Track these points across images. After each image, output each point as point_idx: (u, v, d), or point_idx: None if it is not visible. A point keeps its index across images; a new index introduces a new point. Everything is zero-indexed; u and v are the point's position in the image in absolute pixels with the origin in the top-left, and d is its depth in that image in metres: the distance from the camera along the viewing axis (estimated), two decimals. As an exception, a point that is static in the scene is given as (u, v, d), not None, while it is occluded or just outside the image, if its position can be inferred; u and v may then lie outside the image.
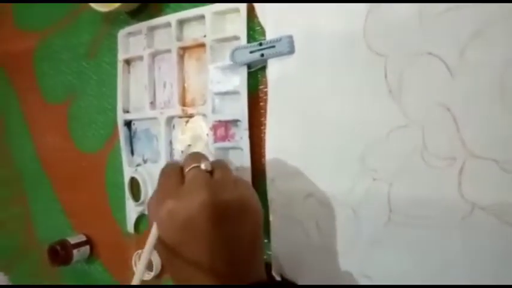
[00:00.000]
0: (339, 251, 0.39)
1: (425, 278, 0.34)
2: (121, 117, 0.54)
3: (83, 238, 0.61)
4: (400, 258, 0.36)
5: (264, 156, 0.43)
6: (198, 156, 0.35)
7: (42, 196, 0.68)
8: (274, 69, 0.42)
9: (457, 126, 0.33)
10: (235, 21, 0.45)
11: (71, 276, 0.65)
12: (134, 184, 0.54)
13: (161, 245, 0.30)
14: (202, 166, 0.32)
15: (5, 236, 0.76)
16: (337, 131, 0.38)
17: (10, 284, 0.73)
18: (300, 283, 0.41)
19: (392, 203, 0.36)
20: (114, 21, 0.55)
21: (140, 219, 0.54)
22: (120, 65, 0.54)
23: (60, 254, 0.58)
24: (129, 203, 0.54)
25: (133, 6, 0.52)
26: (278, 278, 0.42)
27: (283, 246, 0.42)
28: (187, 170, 0.33)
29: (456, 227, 0.33)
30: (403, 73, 0.35)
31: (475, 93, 0.32)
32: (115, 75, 0.55)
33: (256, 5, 0.43)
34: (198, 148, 0.49)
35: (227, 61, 0.44)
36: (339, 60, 0.38)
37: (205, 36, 0.46)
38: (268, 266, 0.43)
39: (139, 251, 0.54)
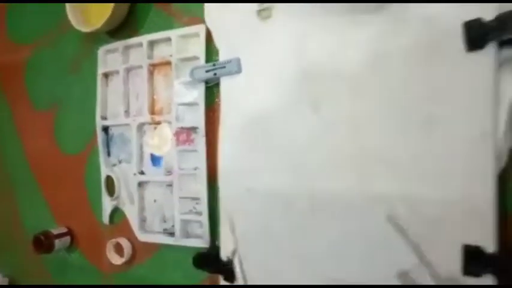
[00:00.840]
0: (272, 234, 0.47)
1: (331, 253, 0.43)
2: (99, 123, 0.62)
3: (65, 229, 0.69)
4: (319, 240, 0.44)
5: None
6: None
7: (29, 192, 0.75)
8: (225, 86, 0.51)
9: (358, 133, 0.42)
10: (197, 43, 0.54)
11: (53, 263, 0.72)
12: (110, 182, 0.61)
13: None
14: None
15: (-6, 227, 0.83)
16: (273, 136, 0.47)
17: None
18: (243, 263, 0.49)
19: (315, 198, 0.44)
20: (96, 40, 0.63)
21: (114, 212, 0.62)
22: (99, 78, 0.62)
23: (43, 243, 0.65)
24: (105, 198, 0.62)
25: (112, 26, 0.60)
26: (225, 259, 0.50)
27: (229, 232, 0.50)
28: None
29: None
30: (324, 93, 0.44)
31: (375, 109, 0.41)
32: (95, 87, 0.63)
33: (212, 31, 0.52)
34: (164, 150, 0.57)
35: (188, 77, 0.53)
36: (275, 80, 0.47)
37: (171, 55, 0.55)
38: (216, 250, 0.51)
39: (113, 240, 0.62)
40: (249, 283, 0.49)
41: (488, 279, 0.37)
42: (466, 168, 0.38)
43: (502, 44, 0.36)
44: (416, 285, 0.39)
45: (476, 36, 0.36)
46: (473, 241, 0.37)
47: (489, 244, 0.37)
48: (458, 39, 0.37)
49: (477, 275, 0.37)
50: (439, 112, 0.39)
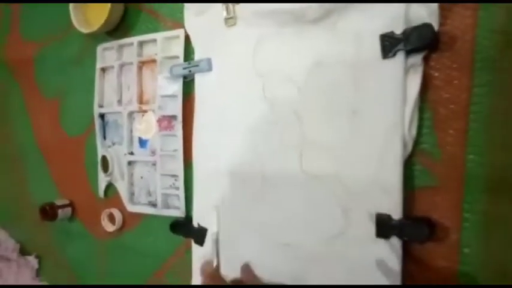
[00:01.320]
0: (232, 208, 0.57)
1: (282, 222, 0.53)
2: (96, 111, 0.72)
3: (67, 201, 0.80)
4: (270, 212, 0.54)
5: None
6: None
7: (37, 169, 0.87)
8: (198, 81, 0.60)
9: (301, 124, 0.51)
10: (178, 44, 0.63)
11: (57, 230, 0.84)
12: (105, 161, 0.72)
13: None
14: None
15: (7, 198, 0.96)
16: (234, 126, 0.56)
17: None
18: (209, 230, 0.59)
19: (264, 176, 0.54)
20: (95, 38, 0.73)
21: (108, 186, 0.73)
22: (97, 72, 0.72)
23: (48, 212, 0.76)
24: (101, 174, 0.73)
25: (109, 28, 0.70)
26: (196, 226, 0.60)
27: (200, 204, 0.60)
28: None
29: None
30: (274, 90, 0.53)
31: (315, 105, 0.50)
32: (94, 79, 0.73)
33: (190, 34, 0.61)
34: (149, 135, 0.67)
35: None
36: (237, 78, 0.56)
37: (156, 54, 0.65)
38: (190, 219, 0.61)
39: (106, 210, 0.72)
40: (214, 246, 0.59)
41: (395, 241, 0.46)
42: (381, 153, 0.47)
43: (408, 53, 0.45)
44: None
45: (389, 46, 0.45)
46: (385, 210, 0.47)
47: (396, 213, 0.46)
48: (376, 48, 0.46)
49: (386, 237, 0.46)
50: (361, 107, 0.47)
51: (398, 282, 0.45)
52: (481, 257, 0.43)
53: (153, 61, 0.66)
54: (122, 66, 0.70)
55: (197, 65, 0.59)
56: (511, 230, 0.41)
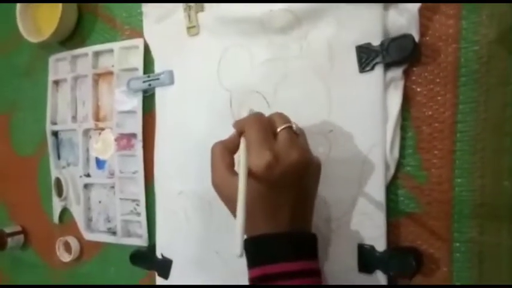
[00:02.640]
0: (199, 233, 0.51)
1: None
2: (49, 128, 0.65)
3: (19, 228, 0.72)
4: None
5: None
6: (286, 118, 0.36)
7: (-16, 192, 0.78)
8: (159, 95, 0.54)
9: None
10: (137, 54, 0.57)
11: (7, 261, 0.76)
12: (59, 183, 0.65)
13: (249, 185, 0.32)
14: (294, 127, 0.35)
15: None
16: (200, 144, 0.50)
17: None
18: (174, 260, 0.53)
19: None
20: (47, 48, 0.66)
21: (63, 212, 0.66)
22: (49, 85, 0.65)
23: (-5, 241, 0.68)
24: (55, 199, 0.66)
25: (61, 37, 0.63)
26: (160, 257, 0.54)
27: (164, 231, 0.54)
28: (280, 128, 0.34)
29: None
30: (242, 104, 0.48)
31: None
32: (47, 93, 0.66)
33: (150, 44, 0.55)
34: (107, 155, 0.60)
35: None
36: (201, 92, 0.51)
37: (113, 66, 0.58)
38: (153, 248, 0.55)
39: (62, 238, 0.65)
40: (180, 279, 0.53)
41: (380, 276, 0.41)
42: (361, 176, 0.42)
43: (388, 66, 0.40)
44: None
45: (366, 59, 0.41)
46: (368, 241, 0.42)
47: (380, 244, 0.41)
48: (352, 61, 0.42)
49: (369, 271, 0.42)
50: (338, 125, 0.43)
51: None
52: (473, 292, 0.38)
53: (110, 73, 0.59)
54: (76, 79, 0.63)
55: (158, 78, 0.53)
56: (504, 260, 0.37)
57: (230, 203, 0.35)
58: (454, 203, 0.39)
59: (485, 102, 0.37)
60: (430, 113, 0.40)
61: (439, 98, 0.40)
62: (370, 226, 0.42)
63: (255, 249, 0.34)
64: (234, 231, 0.30)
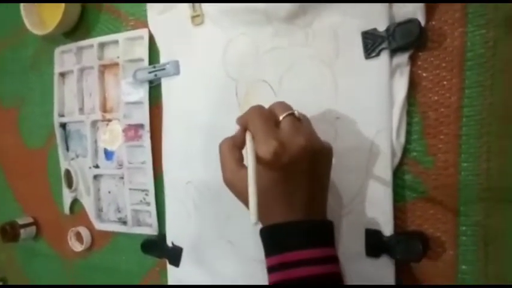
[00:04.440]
0: (208, 221, 0.52)
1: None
2: (57, 120, 0.66)
3: (30, 220, 0.73)
4: (242, 225, 0.49)
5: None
6: (287, 106, 0.37)
7: (-4, 185, 0.80)
8: (165, 86, 0.54)
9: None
10: (142, 45, 0.57)
11: (21, 251, 0.77)
12: (69, 175, 0.66)
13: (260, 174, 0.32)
14: (296, 114, 0.36)
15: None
16: (207, 133, 0.51)
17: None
18: (184, 248, 0.54)
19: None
20: (52, 40, 0.66)
21: (74, 202, 0.67)
22: (56, 77, 0.66)
23: (9, 232, 0.70)
24: (65, 190, 0.67)
25: (66, 28, 0.64)
26: (170, 245, 0.55)
27: (174, 220, 0.55)
28: (282, 116, 0.35)
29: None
30: (247, 93, 0.48)
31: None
32: (53, 85, 0.66)
33: (154, 34, 0.55)
34: (115, 146, 0.61)
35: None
36: (207, 81, 0.51)
37: (118, 57, 0.59)
38: (163, 237, 0.56)
39: (73, 229, 0.66)
40: (190, 268, 0.54)
41: (386, 259, 0.42)
42: (368, 162, 0.42)
43: (394, 52, 0.40)
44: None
45: (371, 45, 0.41)
46: (375, 226, 0.42)
47: (387, 229, 0.42)
48: (358, 47, 0.42)
49: (377, 256, 0.42)
50: (345, 112, 0.43)
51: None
52: (480, 274, 0.39)
53: (116, 64, 0.60)
54: (82, 70, 0.63)
55: (163, 69, 0.53)
56: (509, 242, 0.38)
57: (242, 196, 0.35)
58: (460, 187, 0.39)
59: (491, 87, 0.37)
60: (436, 98, 0.40)
61: (445, 82, 0.40)
62: (377, 211, 0.42)
63: (272, 238, 0.35)
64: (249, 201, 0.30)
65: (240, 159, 0.36)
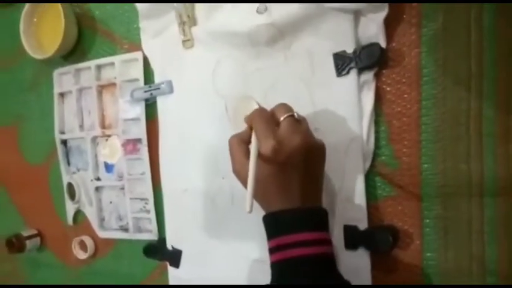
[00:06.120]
0: (205, 225, 0.57)
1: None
2: (58, 137, 0.71)
3: (35, 231, 0.77)
4: (239, 228, 0.54)
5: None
6: (289, 108, 0.42)
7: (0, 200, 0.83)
8: (161, 103, 0.60)
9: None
10: (137, 67, 0.62)
11: (26, 262, 0.81)
12: (71, 188, 0.70)
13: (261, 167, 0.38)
14: (296, 115, 0.41)
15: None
16: (200, 146, 0.57)
17: None
18: (183, 250, 0.59)
19: (234, 195, 0.55)
20: (51, 63, 0.71)
21: (77, 213, 0.71)
22: (55, 97, 0.70)
23: (15, 244, 0.74)
24: (68, 202, 0.71)
25: (64, 52, 0.68)
26: (170, 248, 0.60)
27: (173, 225, 0.60)
28: (283, 117, 0.40)
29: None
30: (236, 108, 0.54)
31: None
32: (52, 104, 0.71)
33: (148, 56, 0.61)
34: (115, 159, 0.66)
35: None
36: (199, 99, 0.56)
37: (115, 78, 0.64)
38: (164, 241, 0.61)
39: (77, 238, 0.71)
40: (189, 269, 0.59)
41: (362, 251, 0.48)
42: (344, 166, 0.48)
43: (361, 70, 0.46)
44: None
45: (341, 65, 0.47)
46: (352, 222, 0.48)
47: (363, 224, 0.48)
48: (330, 66, 0.48)
49: (354, 248, 0.48)
50: (322, 124, 0.49)
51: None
52: (441, 259, 0.45)
53: (113, 84, 0.65)
54: (80, 90, 0.68)
55: (158, 88, 0.59)
56: (463, 230, 0.44)
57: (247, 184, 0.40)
58: (422, 185, 0.46)
59: (443, 99, 0.44)
60: (399, 109, 0.46)
61: (405, 95, 0.46)
62: (353, 209, 0.48)
63: (272, 223, 0.41)
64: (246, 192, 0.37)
65: (247, 152, 0.41)
